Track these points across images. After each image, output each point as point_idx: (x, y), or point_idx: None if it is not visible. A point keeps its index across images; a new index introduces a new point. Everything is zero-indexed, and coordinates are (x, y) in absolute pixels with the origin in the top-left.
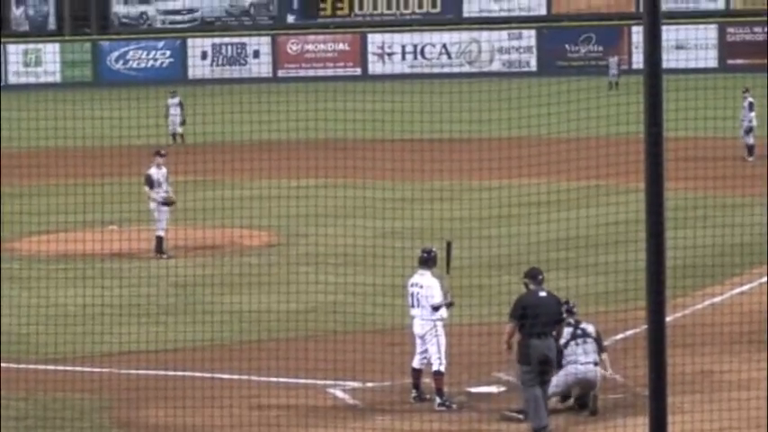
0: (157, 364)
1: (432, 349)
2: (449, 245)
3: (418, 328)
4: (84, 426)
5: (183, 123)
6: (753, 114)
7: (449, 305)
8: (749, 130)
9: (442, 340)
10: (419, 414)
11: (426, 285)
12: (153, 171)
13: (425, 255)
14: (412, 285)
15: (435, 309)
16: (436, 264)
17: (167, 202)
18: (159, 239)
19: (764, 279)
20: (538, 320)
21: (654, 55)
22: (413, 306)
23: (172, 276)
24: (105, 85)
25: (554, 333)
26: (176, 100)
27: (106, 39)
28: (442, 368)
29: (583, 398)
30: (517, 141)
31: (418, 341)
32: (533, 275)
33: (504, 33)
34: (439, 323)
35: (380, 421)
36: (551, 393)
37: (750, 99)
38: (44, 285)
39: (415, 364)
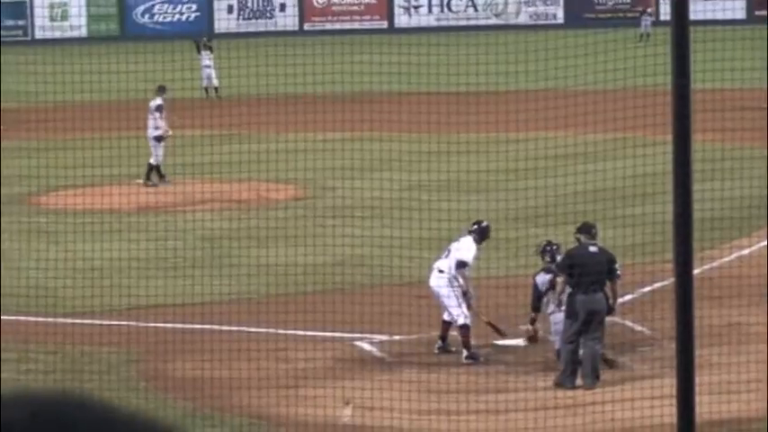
0: (185, 317)
1: (450, 303)
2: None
3: (434, 280)
4: (112, 379)
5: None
6: None
7: (466, 295)
8: None
9: (459, 293)
10: (446, 367)
11: (463, 241)
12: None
13: (475, 226)
14: (455, 241)
15: (460, 265)
16: (485, 237)
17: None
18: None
19: None
20: (585, 275)
21: (681, 6)
22: (439, 257)
23: (199, 230)
24: (132, 38)
25: (605, 288)
26: (209, 53)
27: None
28: (468, 321)
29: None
30: (544, 94)
31: (434, 294)
32: (586, 230)
33: None
34: (454, 279)
35: (408, 374)
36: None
37: None
38: (71, 239)
39: (446, 316)
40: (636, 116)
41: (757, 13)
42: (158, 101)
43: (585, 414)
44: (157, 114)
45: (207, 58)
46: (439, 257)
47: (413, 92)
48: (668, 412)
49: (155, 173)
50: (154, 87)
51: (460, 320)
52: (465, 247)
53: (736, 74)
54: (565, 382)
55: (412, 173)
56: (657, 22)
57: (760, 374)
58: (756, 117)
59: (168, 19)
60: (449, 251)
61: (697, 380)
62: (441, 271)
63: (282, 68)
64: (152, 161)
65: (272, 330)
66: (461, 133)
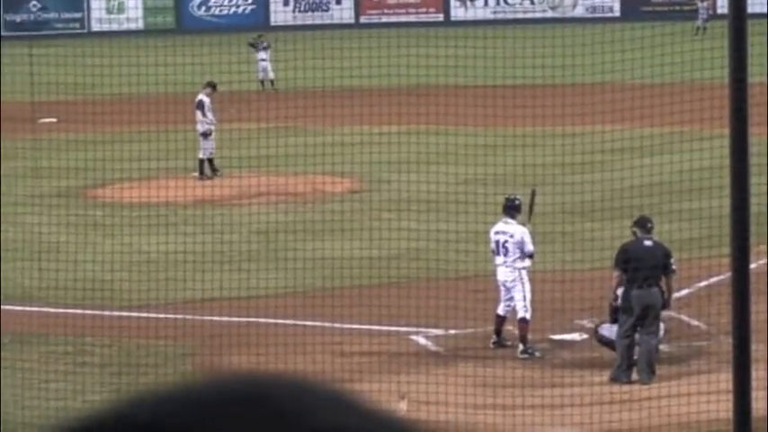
0: (240, 310)
1: (517, 296)
2: (533, 192)
3: (503, 275)
4: (168, 372)
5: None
6: None
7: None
8: None
9: (528, 287)
10: (502, 361)
11: (517, 233)
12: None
13: (509, 203)
14: (497, 233)
15: (530, 256)
16: (520, 211)
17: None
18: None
19: None
20: (640, 270)
21: None
22: (498, 254)
23: (254, 223)
24: (188, 32)
25: (660, 282)
26: (264, 44)
27: None
28: (528, 315)
29: None
30: (600, 87)
31: (503, 289)
32: (642, 224)
33: None
34: (523, 271)
35: (463, 368)
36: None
37: None
38: (127, 232)
39: (500, 311)
40: (692, 110)
41: None
42: (199, 96)
43: (641, 409)
44: (198, 111)
45: (263, 52)
46: (496, 255)
47: (469, 85)
48: (724, 407)
49: (208, 166)
50: (210, 80)
51: (521, 313)
52: (521, 232)
53: None
54: (620, 376)
55: (468, 166)
56: (714, 16)
57: None
58: None
59: (224, 12)
60: (505, 248)
61: (753, 375)
62: (507, 266)
63: (338, 61)
64: (200, 155)
65: (327, 324)
66: (517, 127)
